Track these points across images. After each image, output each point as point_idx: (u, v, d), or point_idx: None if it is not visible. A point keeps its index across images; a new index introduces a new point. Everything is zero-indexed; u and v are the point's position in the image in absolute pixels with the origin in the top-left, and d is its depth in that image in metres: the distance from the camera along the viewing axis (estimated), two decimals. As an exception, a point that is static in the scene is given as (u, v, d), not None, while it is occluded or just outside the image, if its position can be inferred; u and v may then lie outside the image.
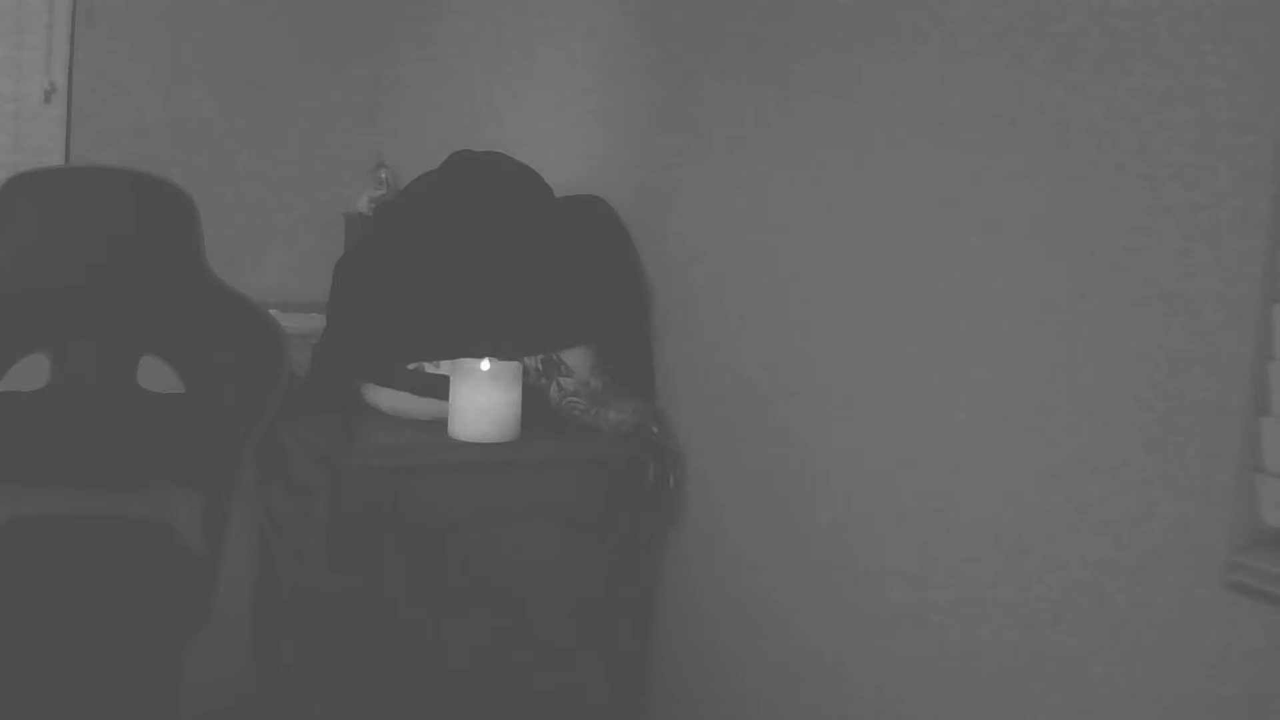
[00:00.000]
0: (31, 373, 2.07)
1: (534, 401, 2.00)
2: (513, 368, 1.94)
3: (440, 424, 1.96)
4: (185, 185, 1.98)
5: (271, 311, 2.15)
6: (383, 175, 3.20)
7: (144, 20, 3.21)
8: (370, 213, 3.08)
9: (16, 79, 3.11)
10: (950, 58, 1.50)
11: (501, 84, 2.74)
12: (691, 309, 2.00)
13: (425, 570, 1.88)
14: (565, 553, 1.96)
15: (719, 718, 1.94)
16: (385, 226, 2.20)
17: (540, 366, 2.02)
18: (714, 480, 1.94)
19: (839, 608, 1.69)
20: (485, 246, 2.05)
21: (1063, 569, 1.35)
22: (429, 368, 2.00)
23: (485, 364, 1.92)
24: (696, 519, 1.98)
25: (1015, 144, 1.41)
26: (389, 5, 3.41)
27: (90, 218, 2.03)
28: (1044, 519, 1.37)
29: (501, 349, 1.96)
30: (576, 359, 2.03)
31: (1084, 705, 1.33)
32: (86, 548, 1.88)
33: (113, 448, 1.97)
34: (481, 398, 1.90)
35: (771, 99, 1.82)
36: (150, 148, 2.94)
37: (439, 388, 1.98)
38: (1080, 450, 1.33)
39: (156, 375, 1.97)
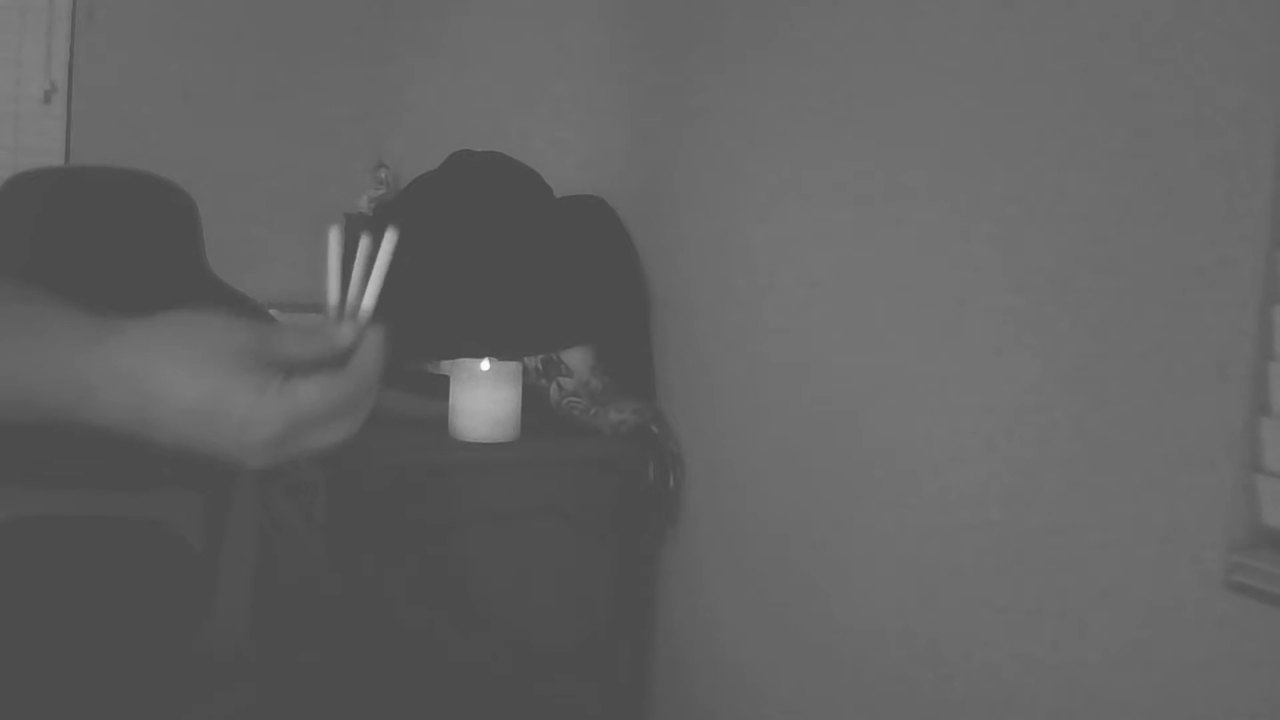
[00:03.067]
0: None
1: (534, 401, 2.00)
2: (513, 368, 1.94)
3: (440, 424, 1.96)
4: (185, 185, 1.98)
5: (271, 311, 2.14)
6: (383, 175, 3.20)
7: (144, 20, 3.21)
8: (370, 213, 3.08)
9: (16, 79, 3.11)
10: (953, 61, 1.50)
11: (501, 84, 2.74)
12: (692, 309, 2.00)
13: (425, 570, 1.88)
14: (565, 553, 1.96)
15: (722, 716, 1.94)
16: (385, 227, 2.20)
17: (540, 366, 2.02)
18: (714, 480, 1.94)
19: (841, 607, 1.69)
20: (485, 247, 2.05)
21: (1062, 569, 1.35)
22: (429, 368, 2.00)
23: (485, 364, 1.92)
24: (696, 519, 1.98)
25: (1013, 145, 1.41)
26: (389, 5, 3.41)
27: (90, 218, 2.02)
28: (1043, 518, 1.37)
29: (501, 349, 1.96)
30: (576, 359, 2.03)
31: (1083, 706, 1.33)
32: (86, 548, 1.88)
33: (113, 448, 1.97)
34: (481, 398, 1.90)
35: (774, 98, 1.82)
36: (150, 148, 2.94)
37: (439, 388, 1.98)
38: (1080, 450, 1.33)
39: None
